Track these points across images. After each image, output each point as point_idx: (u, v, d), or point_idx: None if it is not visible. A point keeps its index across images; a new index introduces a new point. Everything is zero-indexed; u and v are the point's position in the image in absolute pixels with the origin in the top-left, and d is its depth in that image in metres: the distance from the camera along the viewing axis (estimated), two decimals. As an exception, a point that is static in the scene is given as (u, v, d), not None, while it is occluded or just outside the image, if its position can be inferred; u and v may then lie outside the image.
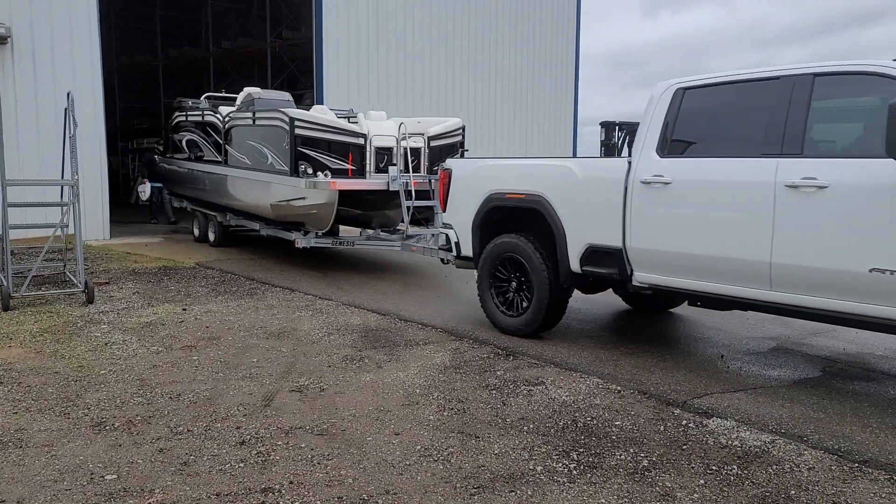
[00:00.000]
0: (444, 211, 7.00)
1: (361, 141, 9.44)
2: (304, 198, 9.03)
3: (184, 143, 13.08)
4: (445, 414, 4.48)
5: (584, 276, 5.85)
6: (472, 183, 6.66)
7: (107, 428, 4.20)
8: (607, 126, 7.23)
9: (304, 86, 21.45)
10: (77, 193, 7.70)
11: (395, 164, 9.39)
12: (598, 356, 5.77)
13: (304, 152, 9.14)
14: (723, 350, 6.04)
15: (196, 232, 13.29)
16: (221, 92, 14.47)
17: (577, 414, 4.48)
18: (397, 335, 6.41)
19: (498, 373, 5.31)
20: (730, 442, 4.07)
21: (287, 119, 9.18)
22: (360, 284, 8.87)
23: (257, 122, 10.13)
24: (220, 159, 11.45)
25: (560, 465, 3.77)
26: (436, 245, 8.52)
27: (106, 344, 5.99)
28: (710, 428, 4.28)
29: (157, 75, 26.16)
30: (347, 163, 9.22)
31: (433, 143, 10.07)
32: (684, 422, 4.38)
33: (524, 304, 6.26)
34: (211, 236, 12.63)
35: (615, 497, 3.43)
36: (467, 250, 6.77)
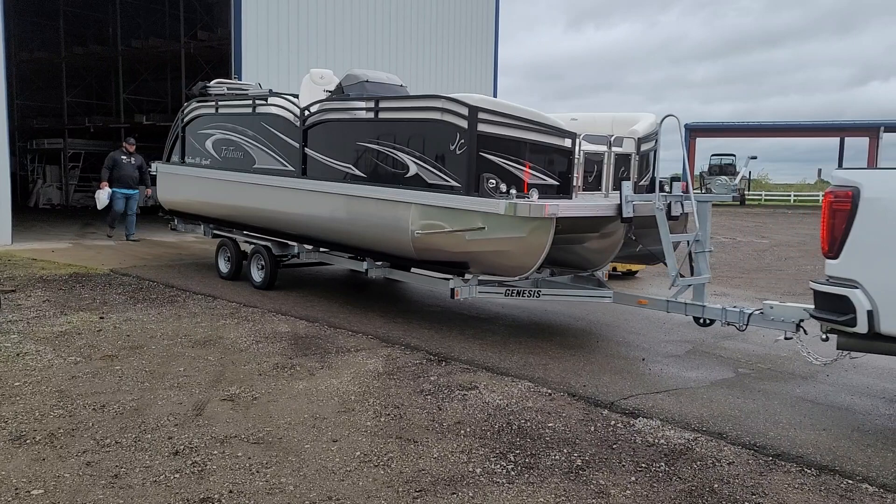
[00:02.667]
0: (835, 256, 4.40)
1: (568, 143, 6.42)
2: (483, 227, 6.05)
3: (209, 144, 9.50)
4: (382, 420, 4.50)
5: None
6: None
7: (27, 441, 4.00)
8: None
9: (221, 88, 20.91)
10: (-19, 196, 7.25)
11: (627, 179, 6.42)
12: (528, 360, 5.93)
13: (488, 159, 6.12)
14: (643, 353, 6.32)
15: (224, 268, 9.53)
16: (234, 79, 10.95)
17: (511, 417, 4.60)
18: (328, 342, 6.37)
19: (431, 378, 5.37)
20: (656, 440, 4.28)
21: (466, 109, 6.09)
22: (287, 291, 8.73)
23: (383, 116, 7.00)
24: (290, 168, 8.13)
25: (498, 466, 3.87)
26: (695, 300, 6.06)
27: (18, 354, 5.68)
28: (637, 427, 4.48)
29: (61, 73, 24.86)
30: (524, 173, 6.20)
31: (643, 147, 7.27)
32: (613, 422, 4.57)
33: None
34: (255, 275, 8.88)
35: (553, 496, 3.55)
36: None
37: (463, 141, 6.14)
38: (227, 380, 5.22)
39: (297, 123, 7.97)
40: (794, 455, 4.08)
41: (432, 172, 6.46)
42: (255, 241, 9.06)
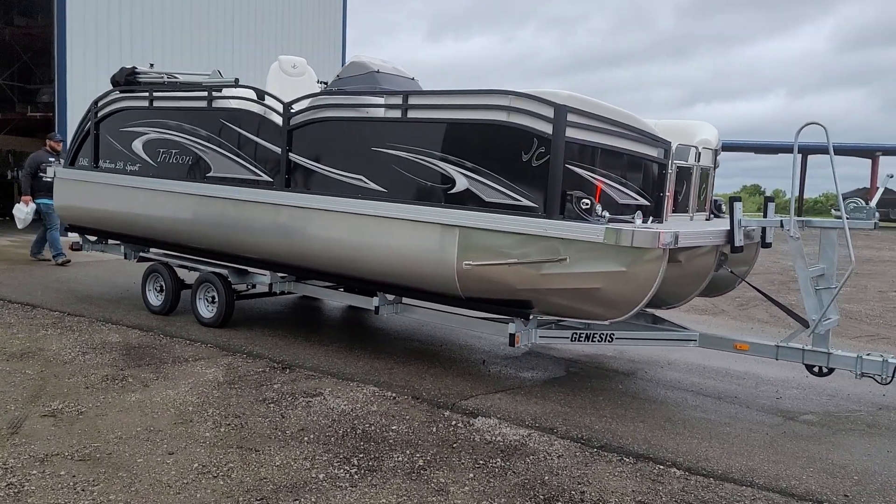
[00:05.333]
0: None
1: (661, 153, 5.47)
2: (564, 259, 4.94)
3: (139, 145, 7.65)
4: (222, 430, 4.38)
5: None
6: None
7: None
8: None
9: (42, 79, 19.28)
10: None
11: (739, 200, 5.25)
12: (373, 365, 6.00)
13: (576, 174, 5.06)
14: (484, 356, 6.60)
15: (156, 300, 7.70)
16: (151, 67, 8.47)
17: (355, 421, 4.64)
18: (164, 352, 6.08)
19: (275, 386, 5.29)
20: (494, 438, 4.50)
21: (551, 110, 4.94)
22: (117, 299, 8.20)
23: (414, 115, 5.64)
24: (264, 178, 6.58)
25: (341, 471, 3.90)
26: (816, 345, 5.13)
27: None
28: (476, 426, 4.69)
29: None
30: (598, 189, 5.16)
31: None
32: (454, 422, 4.74)
33: None
34: (203, 309, 7.24)
35: (395, 496, 3.63)
36: None
37: (543, 150, 4.97)
38: (48, 394, 4.84)
39: (279, 122, 6.44)
40: (616, 446, 4.45)
41: (493, 188, 5.23)
42: (203, 266, 7.34)
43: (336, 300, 7.45)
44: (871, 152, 40.58)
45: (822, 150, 41.55)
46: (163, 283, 7.66)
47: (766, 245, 5.54)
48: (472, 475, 3.93)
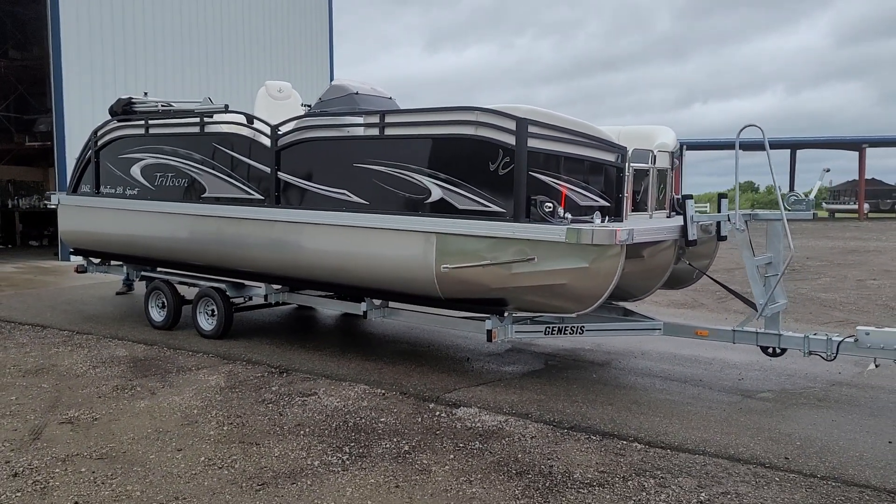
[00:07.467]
0: None
1: (617, 158, 5.96)
2: (532, 258, 5.40)
3: (137, 170, 8.12)
4: (225, 428, 4.81)
5: None
6: None
7: None
8: None
9: (38, 110, 19.76)
10: None
11: (690, 197, 5.70)
12: (364, 367, 6.42)
13: (540, 180, 5.52)
14: (468, 353, 7.03)
15: (158, 316, 8.12)
16: (144, 95, 8.85)
17: (347, 416, 5.07)
18: (168, 363, 6.50)
19: (273, 388, 5.72)
20: (473, 424, 4.92)
21: (513, 123, 5.39)
22: (121, 317, 8.63)
23: (391, 133, 6.08)
24: (256, 196, 7.03)
25: (335, 458, 4.32)
26: (768, 328, 5.64)
27: None
28: (458, 415, 5.11)
29: None
30: (562, 193, 5.59)
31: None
32: (438, 413, 5.16)
33: None
34: (204, 322, 7.66)
35: (383, 476, 4.06)
36: None
37: (508, 159, 5.43)
38: (64, 404, 5.26)
39: (268, 144, 6.89)
40: (585, 426, 4.87)
41: (465, 197, 5.66)
42: (202, 282, 7.80)
43: (327, 308, 7.98)
44: (857, 145, 41.15)
45: (810, 144, 42.09)
46: (164, 300, 8.09)
47: (721, 238, 6.02)
48: (452, 456, 4.35)
